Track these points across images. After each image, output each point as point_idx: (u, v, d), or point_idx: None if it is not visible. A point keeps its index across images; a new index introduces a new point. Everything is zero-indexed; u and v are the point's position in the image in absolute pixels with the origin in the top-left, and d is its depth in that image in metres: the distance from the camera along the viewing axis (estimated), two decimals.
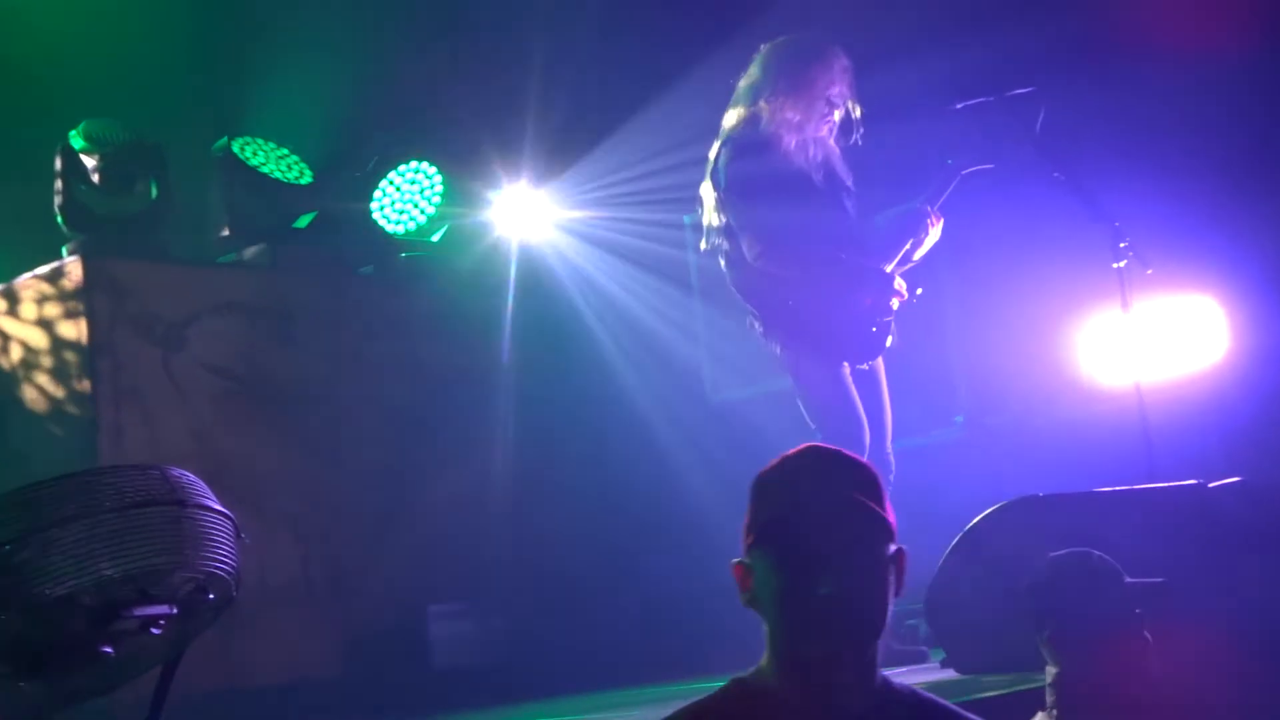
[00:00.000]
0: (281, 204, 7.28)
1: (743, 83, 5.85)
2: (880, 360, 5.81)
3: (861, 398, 5.71)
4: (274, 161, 7.28)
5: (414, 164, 7.58)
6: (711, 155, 5.78)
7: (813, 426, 5.70)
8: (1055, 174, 5.87)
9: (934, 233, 5.82)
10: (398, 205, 7.58)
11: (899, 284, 5.70)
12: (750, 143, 5.69)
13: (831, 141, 5.83)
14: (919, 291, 5.78)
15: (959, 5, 6.92)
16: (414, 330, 7.56)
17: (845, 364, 5.68)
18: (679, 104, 7.38)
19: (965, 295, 7.32)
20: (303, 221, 7.44)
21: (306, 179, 7.37)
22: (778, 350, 5.72)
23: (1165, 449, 5.75)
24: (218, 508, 3.47)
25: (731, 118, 5.82)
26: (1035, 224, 6.86)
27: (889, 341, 5.73)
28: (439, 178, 7.64)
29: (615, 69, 7.76)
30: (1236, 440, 6.22)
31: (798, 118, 5.70)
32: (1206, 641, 4.11)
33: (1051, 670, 3.85)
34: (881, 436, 5.78)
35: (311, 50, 7.31)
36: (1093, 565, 3.91)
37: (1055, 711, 3.80)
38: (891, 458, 5.82)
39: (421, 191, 7.64)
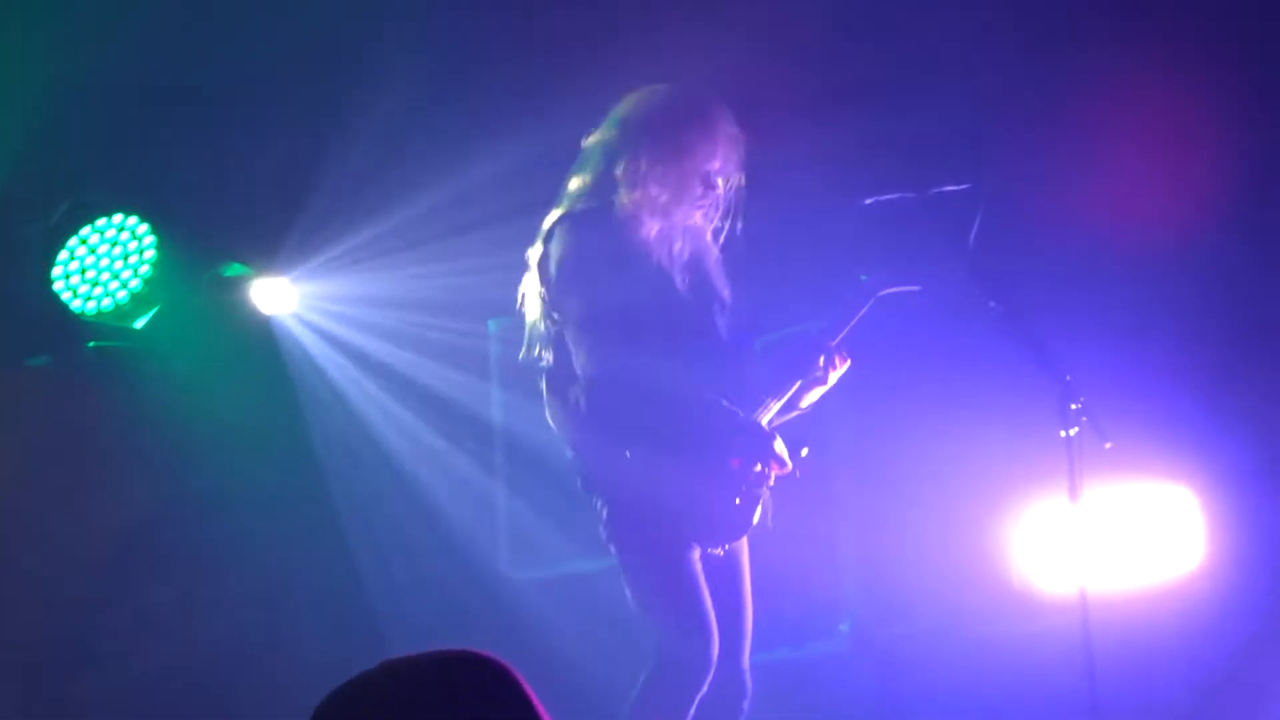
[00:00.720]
0: None
1: (592, 140, 5.89)
2: (744, 542, 5.80)
3: (713, 592, 5.70)
4: None
5: (119, 219, 7.49)
6: (541, 234, 5.78)
7: (644, 621, 5.69)
8: (991, 303, 5.96)
9: (834, 374, 5.86)
10: (90, 275, 7.47)
11: (777, 443, 5.71)
12: (596, 222, 5.72)
13: (707, 236, 5.88)
14: (804, 452, 5.81)
15: (880, 64, 7.06)
16: (101, 448, 7.59)
17: (695, 546, 5.66)
18: (495, 167, 7.43)
19: (863, 461, 7.43)
20: None
21: None
22: (602, 515, 5.69)
23: (1114, 685, 5.81)
24: None
25: (574, 186, 5.85)
26: (961, 371, 6.99)
27: (757, 518, 5.73)
28: (151, 240, 7.53)
29: (412, 122, 7.78)
30: (1206, 679, 6.29)
31: (665, 196, 5.74)
32: None
33: None
34: (737, 646, 5.78)
35: None
36: None
37: None
38: (748, 676, 5.82)
39: (125, 258, 7.53)
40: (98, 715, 7.60)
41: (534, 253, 5.79)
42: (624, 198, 5.74)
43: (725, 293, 5.91)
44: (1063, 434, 5.94)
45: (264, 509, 7.91)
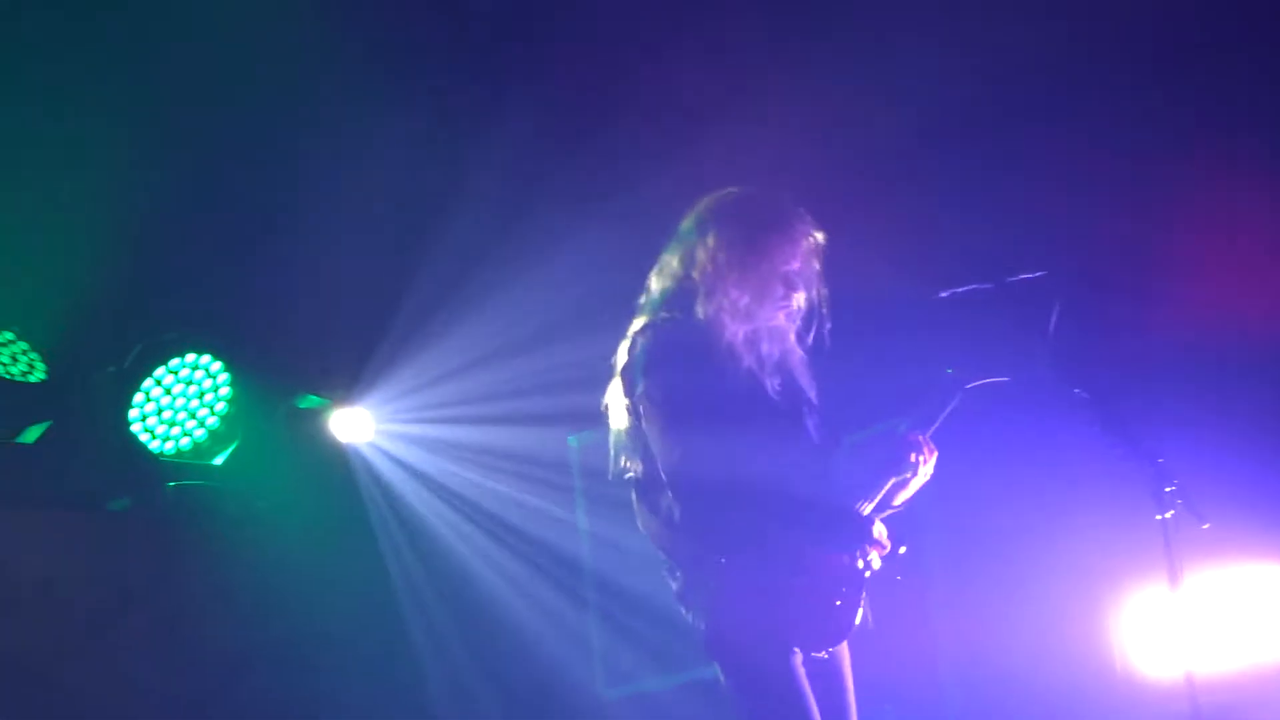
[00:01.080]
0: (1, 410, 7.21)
1: (670, 246, 5.87)
2: (845, 646, 5.73)
3: (818, 699, 5.60)
4: None
5: (192, 358, 7.55)
6: (623, 346, 5.76)
7: None
8: (1076, 391, 5.91)
9: (925, 469, 5.80)
10: (166, 415, 7.51)
11: (879, 533, 5.64)
12: (680, 328, 5.67)
13: (791, 338, 5.84)
14: (902, 550, 5.74)
15: (951, 163, 7.07)
16: (185, 590, 7.62)
17: (798, 651, 5.59)
18: (567, 280, 7.46)
19: (958, 558, 7.40)
20: (31, 435, 7.33)
21: (38, 375, 7.28)
22: (701, 627, 5.63)
23: None
24: None
25: (655, 292, 5.82)
26: (1052, 461, 6.98)
27: (859, 619, 5.66)
28: (226, 377, 7.58)
29: (484, 239, 7.83)
30: None
31: (745, 299, 5.70)
32: None
33: None
34: None
35: (47, 189, 7.27)
36: None
37: None
38: None
39: (201, 396, 7.58)
40: None
41: (619, 361, 5.77)
42: (704, 302, 5.70)
43: (812, 393, 5.86)
44: (1158, 518, 5.87)
45: (348, 650, 7.92)
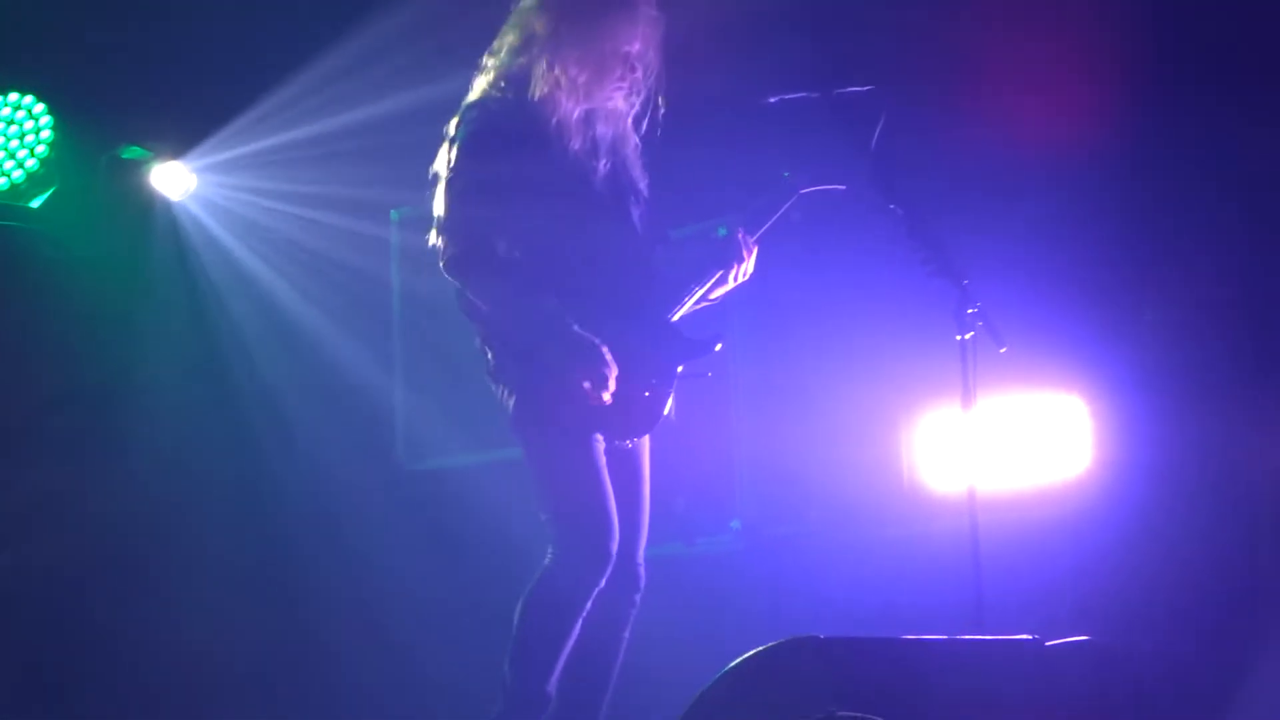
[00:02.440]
0: None
1: (509, 25, 5.84)
2: (647, 439, 5.84)
3: (615, 486, 5.72)
4: None
5: (15, 97, 7.51)
6: (454, 120, 5.74)
7: (542, 516, 5.69)
8: (891, 206, 5.99)
9: (746, 268, 5.89)
10: None
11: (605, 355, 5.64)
12: (510, 110, 5.68)
13: (627, 123, 5.87)
14: (718, 347, 5.85)
15: None
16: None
17: (601, 438, 5.68)
18: (408, 61, 7.41)
19: (759, 362, 7.48)
20: None
21: None
22: (509, 403, 5.69)
23: (1000, 581, 5.91)
24: None
25: (490, 67, 5.81)
26: (863, 276, 7.03)
27: (667, 409, 5.75)
28: (48, 120, 7.48)
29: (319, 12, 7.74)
30: (1087, 580, 6.41)
31: (584, 77, 5.71)
32: None
33: None
34: (634, 540, 5.83)
35: None
36: None
37: None
38: (641, 570, 5.86)
39: (21, 137, 7.49)
40: None
41: (448, 132, 5.75)
42: (541, 79, 5.69)
43: (643, 184, 5.91)
44: (959, 338, 6.01)
45: (162, 395, 7.91)
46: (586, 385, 5.56)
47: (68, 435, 7.77)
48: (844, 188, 6.09)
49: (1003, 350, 6.00)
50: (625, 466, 5.81)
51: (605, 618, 5.81)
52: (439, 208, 5.68)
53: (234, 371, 8.18)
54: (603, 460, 5.70)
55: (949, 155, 6.95)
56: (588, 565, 5.66)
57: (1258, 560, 6.42)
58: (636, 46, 5.77)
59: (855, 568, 6.90)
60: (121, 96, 7.81)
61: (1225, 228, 6.62)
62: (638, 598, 5.86)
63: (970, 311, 5.98)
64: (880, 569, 6.86)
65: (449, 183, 5.66)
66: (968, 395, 5.94)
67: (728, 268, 5.86)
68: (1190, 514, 6.46)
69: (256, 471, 8.16)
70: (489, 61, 5.84)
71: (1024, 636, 5.60)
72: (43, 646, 7.63)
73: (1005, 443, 6.82)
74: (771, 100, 6.20)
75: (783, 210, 5.95)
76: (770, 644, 5.16)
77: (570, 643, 5.71)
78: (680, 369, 5.77)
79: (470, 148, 5.64)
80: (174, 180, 7.97)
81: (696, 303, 5.87)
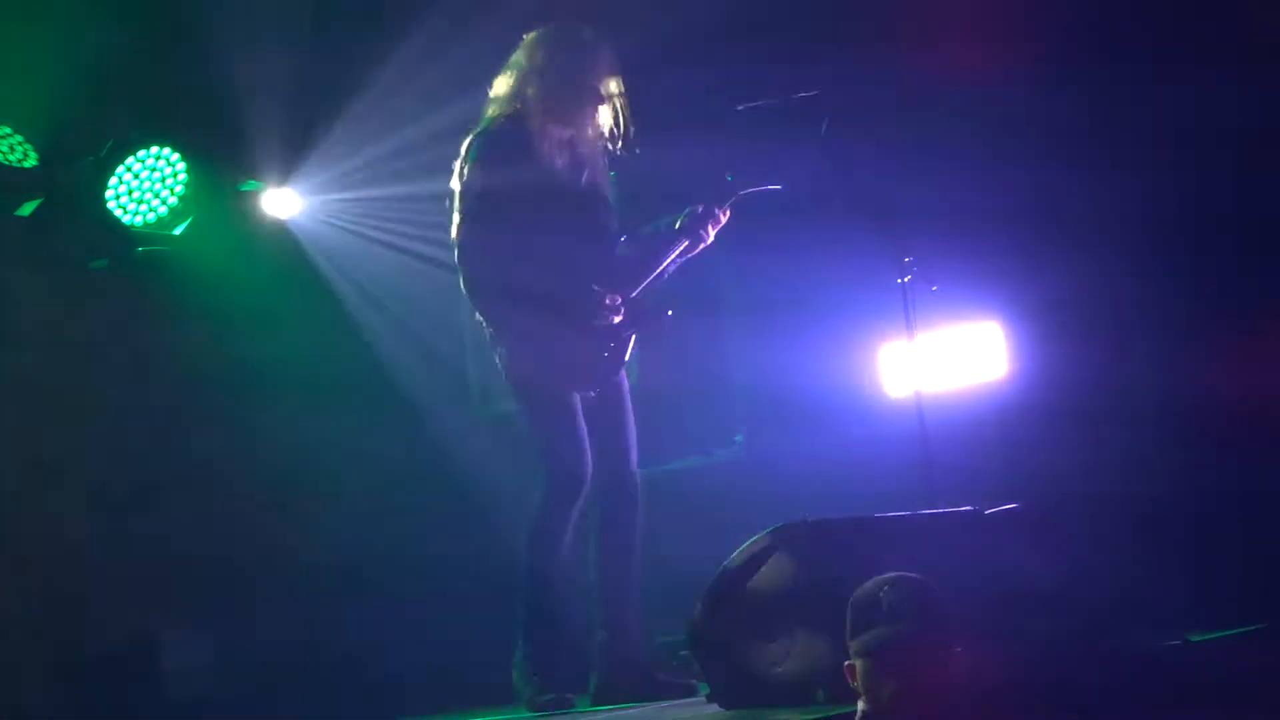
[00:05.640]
0: (1, 189, 7.19)
1: (505, 74, 5.98)
2: (624, 384, 6.01)
3: (600, 420, 5.92)
4: None
5: (155, 149, 7.52)
6: (463, 148, 5.89)
7: (534, 454, 5.92)
8: (842, 181, 6.09)
9: (709, 236, 6.00)
10: (135, 194, 7.50)
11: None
12: (506, 131, 5.83)
13: (600, 143, 5.98)
14: (670, 313, 5.99)
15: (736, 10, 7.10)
16: (154, 329, 7.68)
17: (574, 390, 5.89)
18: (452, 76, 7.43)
19: (751, 308, 7.50)
20: (26, 209, 7.30)
21: (31, 161, 7.24)
22: (501, 365, 5.89)
23: (946, 471, 6.03)
24: None
25: (491, 110, 5.95)
26: (821, 237, 7.06)
27: (624, 364, 5.94)
28: (183, 165, 7.57)
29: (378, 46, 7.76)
30: (1014, 461, 6.48)
31: (569, 109, 5.85)
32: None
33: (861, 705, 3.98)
34: (625, 458, 5.99)
35: (39, 10, 7.18)
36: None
37: None
38: (637, 479, 6.02)
39: (163, 180, 7.57)
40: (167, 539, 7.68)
41: (457, 163, 5.90)
42: (534, 113, 5.83)
43: (609, 194, 6.04)
44: (899, 281, 6.13)
45: (287, 374, 7.98)
46: (607, 302, 5.73)
47: (208, 413, 7.86)
48: (780, 188, 6.15)
49: (934, 289, 6.12)
50: (607, 405, 5.96)
51: (616, 531, 5.99)
52: (454, 219, 5.84)
53: (344, 358, 8.21)
54: (578, 406, 5.87)
55: (896, 135, 6.94)
56: (569, 485, 5.85)
57: (1143, 437, 6.50)
58: (606, 81, 5.90)
59: (832, 461, 6.96)
60: (240, 139, 7.84)
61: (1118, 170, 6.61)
62: (639, 508, 6.02)
63: (907, 260, 6.12)
64: (851, 461, 6.89)
65: (462, 197, 5.82)
66: (910, 323, 6.09)
67: (694, 238, 5.97)
68: (1086, 408, 6.55)
69: (368, 438, 8.15)
70: (492, 95, 5.97)
71: (966, 508, 5.76)
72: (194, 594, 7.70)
73: (942, 357, 6.85)
74: (739, 108, 6.31)
75: (730, 203, 5.98)
76: (765, 531, 5.31)
77: (560, 557, 5.89)
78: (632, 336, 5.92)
79: (479, 169, 5.79)
80: (282, 203, 8.04)
81: (663, 271, 5.98)
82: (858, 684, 3.97)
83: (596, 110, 5.91)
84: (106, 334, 7.63)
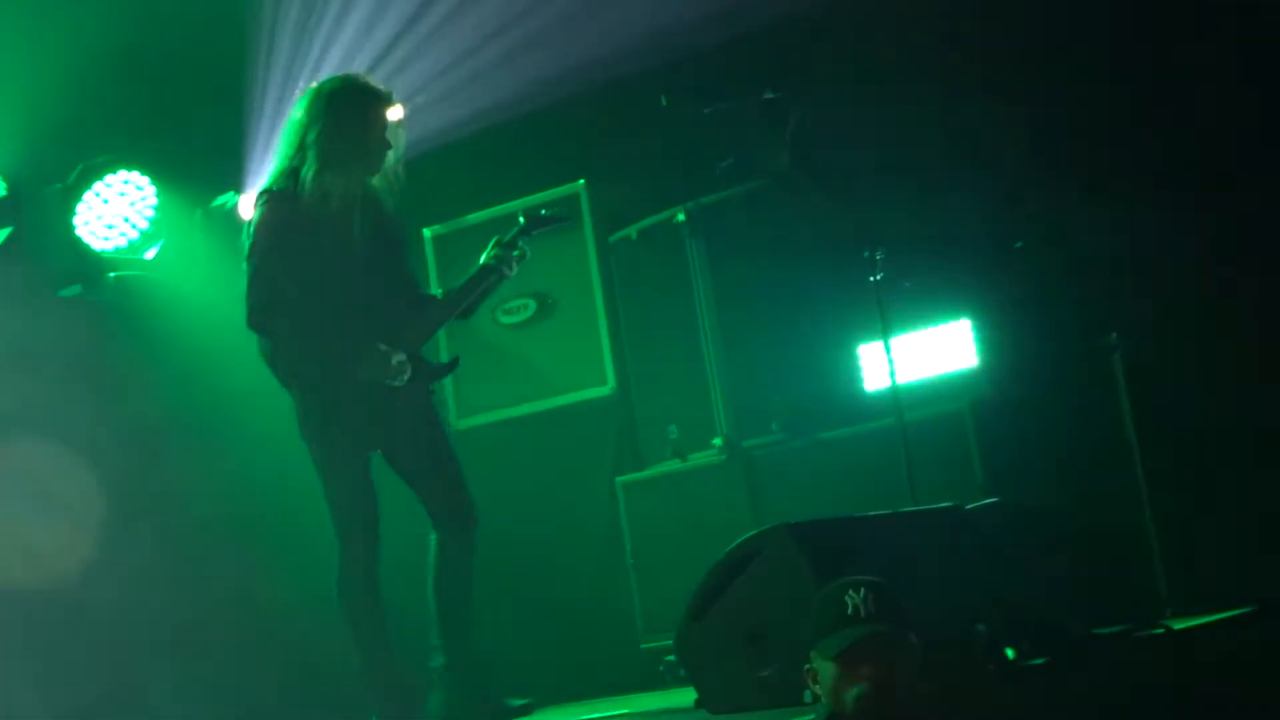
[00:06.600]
0: None
1: (288, 129, 6.08)
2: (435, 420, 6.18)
3: (418, 459, 6.08)
4: None
5: (123, 174, 7.49)
6: (249, 202, 6.04)
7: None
8: (811, 182, 6.13)
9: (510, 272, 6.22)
10: (105, 220, 7.49)
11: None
12: (287, 197, 5.92)
13: (383, 192, 6.11)
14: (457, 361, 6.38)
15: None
16: (127, 357, 7.58)
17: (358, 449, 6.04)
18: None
19: (723, 311, 7.37)
20: None
21: (0, 191, 7.22)
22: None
23: (926, 473, 6.06)
24: None
25: (279, 161, 6.08)
26: (795, 237, 7.05)
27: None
28: (152, 190, 7.55)
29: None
30: (991, 460, 6.47)
31: (349, 161, 5.95)
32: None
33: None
34: (455, 491, 6.14)
35: (4, 42, 7.15)
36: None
37: None
38: (472, 508, 6.16)
39: (132, 205, 7.55)
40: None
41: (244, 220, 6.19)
42: (314, 167, 5.89)
43: (397, 234, 6.18)
44: (871, 279, 6.16)
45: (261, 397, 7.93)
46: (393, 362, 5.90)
47: (184, 438, 7.77)
48: (569, 219, 6.64)
49: (907, 285, 6.15)
50: (420, 444, 6.09)
51: (449, 557, 6.11)
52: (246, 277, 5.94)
53: None
54: (358, 468, 6.00)
55: (860, 134, 6.93)
56: (352, 533, 6.01)
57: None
58: (386, 130, 6.00)
59: (813, 464, 6.93)
60: (205, 158, 7.81)
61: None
62: (473, 532, 6.13)
63: (878, 258, 6.15)
64: (834, 462, 6.87)
65: (248, 258, 5.93)
66: (884, 318, 6.13)
67: (499, 275, 6.19)
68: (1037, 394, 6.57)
69: None
70: (279, 155, 6.08)
71: (947, 504, 5.78)
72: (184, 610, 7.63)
73: (913, 348, 6.81)
74: (706, 110, 6.34)
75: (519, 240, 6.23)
76: (750, 534, 5.33)
77: (362, 599, 6.04)
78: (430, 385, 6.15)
79: (262, 229, 5.90)
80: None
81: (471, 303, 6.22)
82: (818, 687, 3.99)
83: (381, 159, 6.02)
84: (76, 359, 7.51)
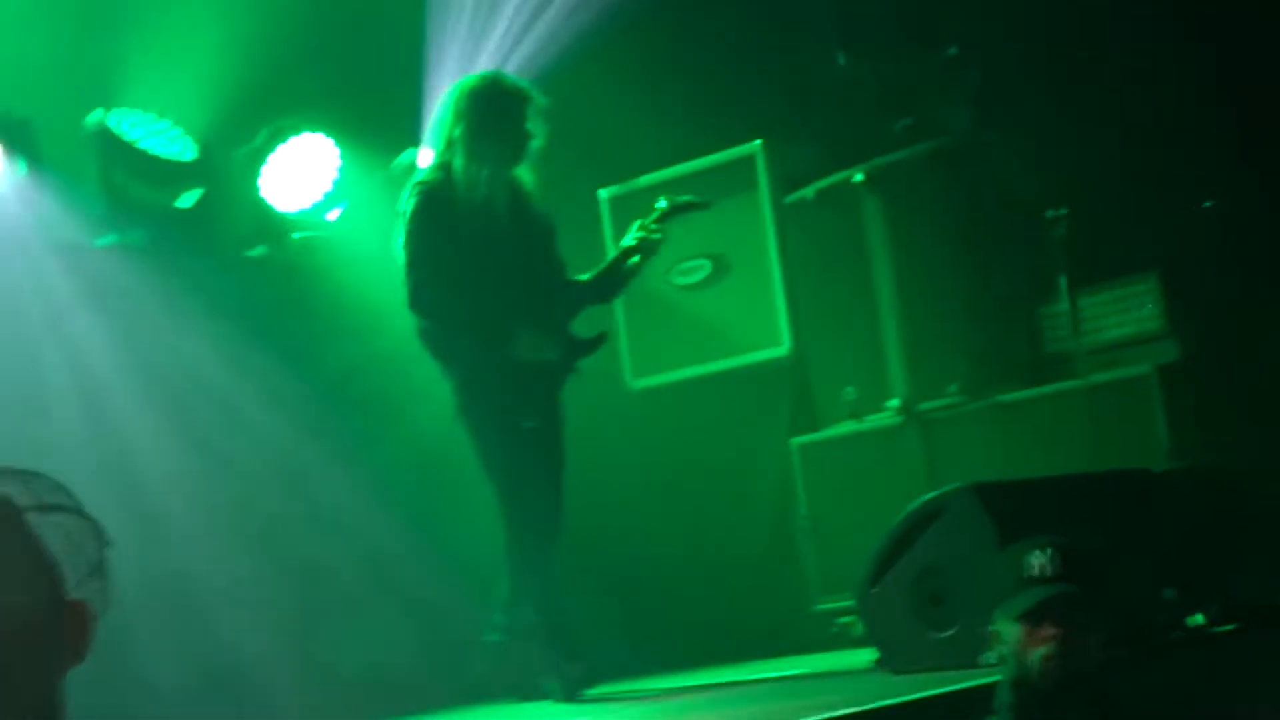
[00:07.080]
0: (163, 182, 7.30)
1: (435, 126, 6.41)
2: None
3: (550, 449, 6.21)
4: (153, 136, 7.29)
5: (307, 137, 7.61)
6: (403, 194, 6.29)
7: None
8: (992, 139, 6.05)
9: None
10: (290, 182, 7.61)
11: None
12: (437, 188, 6.19)
13: (527, 182, 6.30)
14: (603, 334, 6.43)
15: None
16: (311, 316, 7.67)
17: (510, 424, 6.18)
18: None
19: (900, 271, 7.36)
20: (187, 200, 7.46)
21: (190, 155, 7.39)
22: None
23: (1109, 438, 5.94)
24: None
25: (427, 156, 6.44)
26: (975, 196, 6.98)
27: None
28: (335, 151, 7.67)
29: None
30: (1179, 424, 6.34)
31: (494, 151, 6.18)
32: None
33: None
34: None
35: (194, 10, 7.32)
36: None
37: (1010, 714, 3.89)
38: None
39: (316, 167, 7.67)
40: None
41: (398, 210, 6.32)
42: (463, 159, 6.16)
43: (541, 220, 6.36)
44: (1054, 235, 6.03)
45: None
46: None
47: (365, 392, 7.80)
48: (708, 206, 6.53)
49: (1090, 243, 6.01)
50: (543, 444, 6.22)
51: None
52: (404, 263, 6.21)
53: None
54: (514, 444, 6.15)
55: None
56: (523, 518, 6.17)
57: None
58: (527, 123, 6.17)
59: (992, 427, 6.84)
60: (387, 115, 7.87)
61: None
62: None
63: (1061, 213, 6.04)
64: (1013, 425, 6.77)
65: (404, 245, 6.21)
66: (1066, 280, 5.97)
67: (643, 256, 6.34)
68: None
69: None
70: (427, 148, 6.50)
71: (1136, 469, 5.68)
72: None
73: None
74: (885, 68, 6.27)
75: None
76: (931, 495, 5.30)
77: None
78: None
79: (415, 217, 6.16)
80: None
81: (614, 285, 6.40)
82: (1003, 650, 3.91)
83: (524, 149, 6.22)
84: (263, 319, 7.64)
